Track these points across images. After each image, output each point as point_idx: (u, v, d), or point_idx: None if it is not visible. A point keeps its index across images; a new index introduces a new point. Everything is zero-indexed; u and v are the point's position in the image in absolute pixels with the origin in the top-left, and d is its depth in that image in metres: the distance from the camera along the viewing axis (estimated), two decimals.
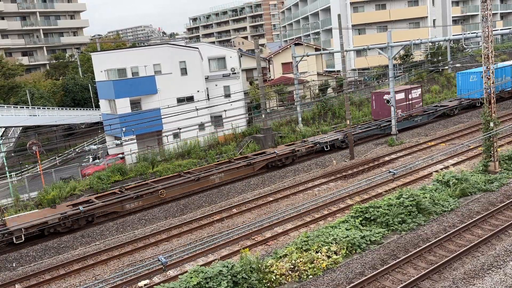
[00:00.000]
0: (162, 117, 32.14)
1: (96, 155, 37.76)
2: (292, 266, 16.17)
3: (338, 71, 59.21)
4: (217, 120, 39.53)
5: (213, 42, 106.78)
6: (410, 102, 37.58)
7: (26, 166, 37.33)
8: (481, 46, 24.64)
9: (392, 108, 34.32)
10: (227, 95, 40.26)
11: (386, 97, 35.00)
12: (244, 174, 29.73)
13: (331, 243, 17.35)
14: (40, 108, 48.74)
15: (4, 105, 46.29)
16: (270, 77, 57.78)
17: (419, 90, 38.82)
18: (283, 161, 31.13)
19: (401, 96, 36.81)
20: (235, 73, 43.47)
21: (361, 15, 62.55)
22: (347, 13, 61.33)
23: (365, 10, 63.11)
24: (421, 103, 38.98)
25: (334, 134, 34.33)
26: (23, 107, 46.48)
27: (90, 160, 37.27)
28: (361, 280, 15.08)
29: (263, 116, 36.61)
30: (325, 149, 32.91)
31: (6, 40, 73.87)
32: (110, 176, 30.08)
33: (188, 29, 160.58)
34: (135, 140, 34.65)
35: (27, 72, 71.20)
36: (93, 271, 19.45)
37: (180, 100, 37.23)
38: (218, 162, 31.23)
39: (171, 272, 18.30)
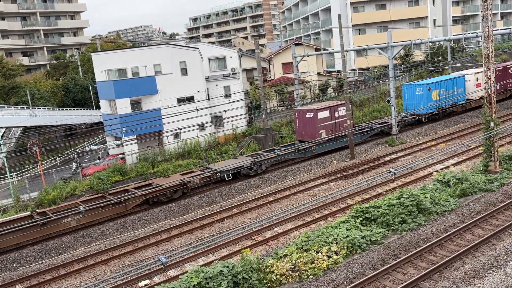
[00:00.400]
0: (163, 117, 32.15)
1: (81, 163, 35.79)
2: (293, 266, 16.18)
3: (339, 71, 59.22)
4: (217, 120, 39.53)
5: (214, 42, 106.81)
6: (337, 120, 32.93)
7: (27, 166, 37.35)
8: (481, 46, 24.65)
9: (393, 108, 34.31)
10: (228, 95, 40.27)
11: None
12: (113, 213, 24.79)
13: (332, 243, 17.35)
14: (40, 108, 48.78)
15: (5, 105, 46.33)
16: (270, 77, 57.80)
17: (349, 106, 33.48)
18: (169, 196, 26.68)
19: (324, 114, 32.43)
20: (236, 73, 43.48)
21: (361, 15, 62.56)
22: (347, 13, 61.34)
23: (365, 10, 63.12)
24: (351, 121, 33.56)
25: (245, 160, 29.86)
26: (24, 108, 46.53)
27: (73, 168, 35.07)
28: (361, 280, 15.08)
29: (263, 116, 36.62)
30: (227, 179, 28.58)
31: (7, 41, 73.93)
32: (110, 177, 30.10)
33: (189, 29, 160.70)
34: (136, 140, 34.66)
35: (28, 73, 71.27)
36: (93, 271, 19.45)
37: (181, 100, 37.23)
38: (87, 198, 26.11)
39: (172, 272, 18.31)
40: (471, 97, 40.61)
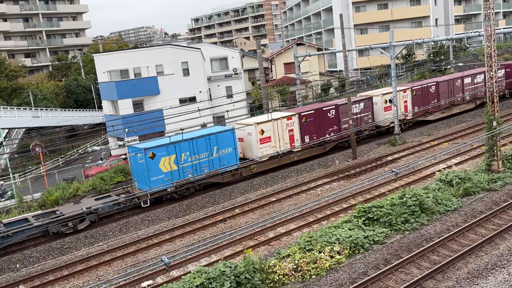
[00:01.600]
0: (165, 117, 32.19)
1: (4, 189, 30.37)
2: (295, 266, 16.17)
3: (340, 71, 59.18)
4: (219, 120, 39.57)
5: (215, 43, 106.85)
6: None
7: (30, 167, 37.44)
8: (483, 45, 24.60)
9: (394, 108, 34.28)
10: (229, 96, 40.32)
11: (386, 97, 34.42)
12: None
13: (334, 243, 17.33)
14: (43, 109, 48.92)
15: (7, 106, 46.46)
16: (272, 77, 57.82)
17: None
18: None
19: None
20: (237, 73, 43.51)
21: (363, 14, 62.54)
22: (349, 13, 61.31)
23: (367, 10, 63.11)
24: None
25: None
26: (26, 109, 46.66)
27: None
28: (364, 280, 15.06)
29: None
30: None
31: (9, 42, 74.15)
32: (113, 177, 30.15)
33: (190, 30, 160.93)
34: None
35: (30, 74, 71.45)
36: (96, 272, 19.48)
37: (183, 101, 37.29)
38: None
39: (174, 273, 18.32)
40: (256, 157, 27.28)
